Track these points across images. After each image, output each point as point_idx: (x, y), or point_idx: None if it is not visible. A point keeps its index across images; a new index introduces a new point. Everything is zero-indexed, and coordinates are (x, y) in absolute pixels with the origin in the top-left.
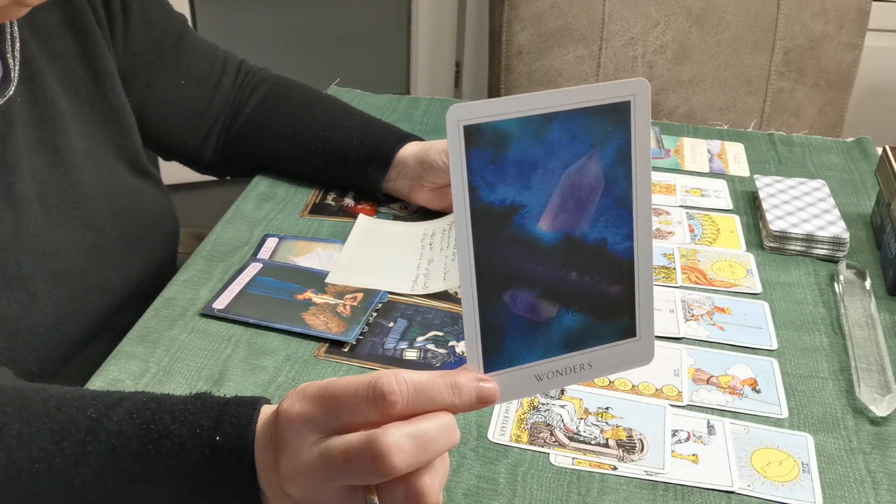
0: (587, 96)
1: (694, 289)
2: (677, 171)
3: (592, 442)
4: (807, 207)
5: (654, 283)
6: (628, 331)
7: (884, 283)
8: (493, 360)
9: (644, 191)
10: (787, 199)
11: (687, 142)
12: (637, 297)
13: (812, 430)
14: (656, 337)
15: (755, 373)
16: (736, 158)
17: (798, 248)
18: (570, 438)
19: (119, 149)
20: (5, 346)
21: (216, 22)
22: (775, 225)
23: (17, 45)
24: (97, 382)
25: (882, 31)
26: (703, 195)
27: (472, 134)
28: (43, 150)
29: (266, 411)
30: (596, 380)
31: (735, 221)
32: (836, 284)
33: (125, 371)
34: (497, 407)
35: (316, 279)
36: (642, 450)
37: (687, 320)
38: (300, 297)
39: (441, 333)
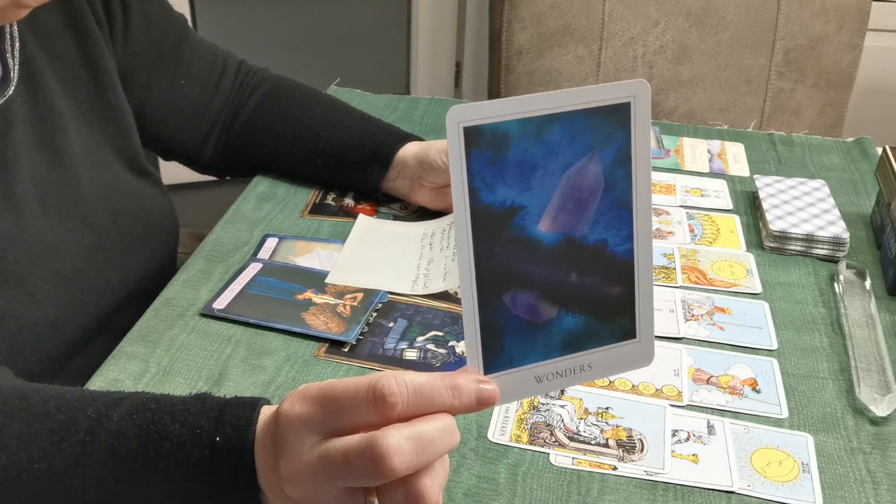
0: (587, 97)
1: (694, 289)
2: (677, 171)
3: (592, 442)
4: (807, 207)
5: (654, 283)
6: (628, 332)
7: (884, 283)
8: (493, 361)
9: (644, 192)
10: (787, 199)
11: (687, 142)
12: (637, 299)
13: (812, 430)
14: (656, 337)
15: (755, 373)
16: (736, 158)
17: (798, 248)
18: (570, 438)
19: (118, 149)
20: (5, 345)
21: (216, 22)
22: (775, 225)
23: (17, 44)
24: (97, 382)
25: (882, 31)
26: (703, 195)
27: (472, 135)
28: (42, 149)
29: (266, 412)
30: (596, 380)
31: (735, 221)
32: (836, 284)
33: (125, 371)
34: (497, 407)
35: (316, 279)
36: (642, 450)
37: (687, 320)
38: (300, 297)
39: (441, 333)
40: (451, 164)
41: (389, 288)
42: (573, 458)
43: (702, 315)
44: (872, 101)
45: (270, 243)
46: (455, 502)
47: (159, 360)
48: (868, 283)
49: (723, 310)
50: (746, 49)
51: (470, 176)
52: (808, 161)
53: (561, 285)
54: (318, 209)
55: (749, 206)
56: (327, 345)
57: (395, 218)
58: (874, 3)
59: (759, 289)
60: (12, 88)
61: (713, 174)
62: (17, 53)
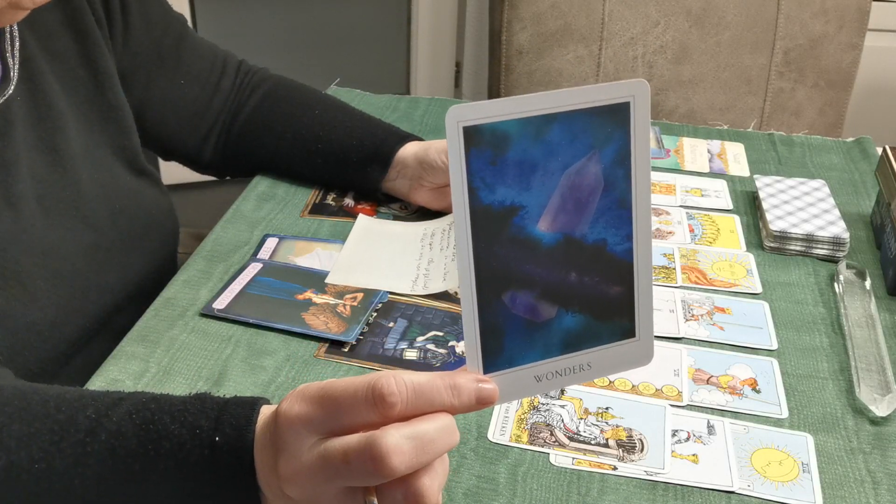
0: (586, 97)
1: (694, 289)
2: (677, 171)
3: (592, 442)
4: (807, 207)
5: (654, 283)
6: (628, 331)
7: (884, 283)
8: (493, 360)
9: (643, 192)
10: (787, 199)
11: (687, 142)
12: (636, 298)
13: (812, 430)
14: (656, 337)
15: (755, 373)
16: (736, 158)
17: (798, 248)
18: (570, 438)
19: (118, 148)
20: (5, 345)
21: (216, 22)
22: (775, 225)
23: (17, 44)
24: (97, 382)
25: (882, 31)
26: (703, 195)
27: (472, 135)
28: (42, 149)
29: (266, 412)
30: (596, 380)
31: (735, 221)
32: (836, 284)
33: (125, 371)
34: (497, 407)
35: (316, 279)
36: (642, 450)
37: (687, 320)
38: (300, 297)
39: (441, 333)
40: (451, 163)
41: (389, 288)
42: (573, 458)
43: (702, 315)
44: (872, 101)
45: (270, 243)
46: (455, 502)
47: (159, 360)
48: (868, 283)
49: (723, 310)
50: (746, 49)
51: (469, 175)
52: (808, 161)
53: (560, 285)
54: (318, 209)
55: (749, 206)
56: (327, 345)
57: (395, 218)
58: (874, 3)
59: (759, 289)
60: (12, 88)
61: (713, 174)
62: (16, 53)
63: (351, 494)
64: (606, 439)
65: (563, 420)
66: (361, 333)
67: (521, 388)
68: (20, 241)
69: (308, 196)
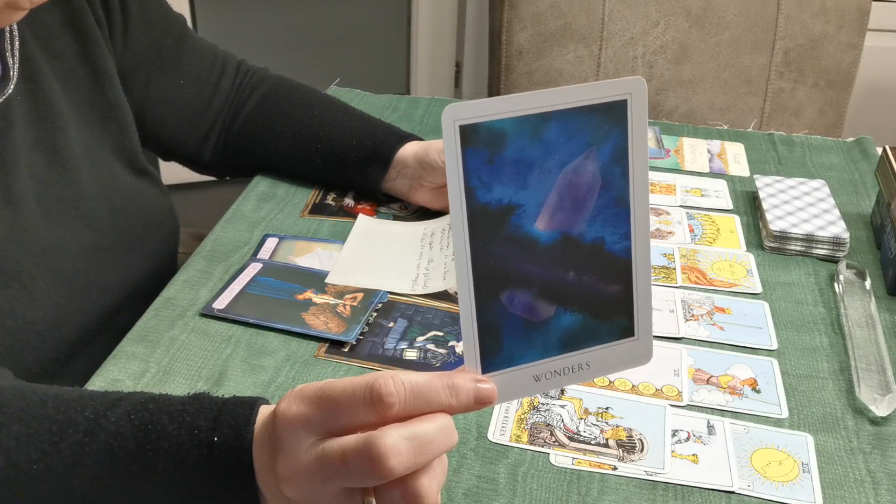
0: (583, 95)
1: (694, 289)
2: (677, 171)
3: (592, 442)
4: (807, 207)
5: (654, 283)
6: (627, 330)
7: (884, 283)
8: (491, 360)
9: (641, 190)
10: (787, 199)
11: (687, 142)
12: (635, 297)
13: (812, 430)
14: (656, 337)
15: (755, 373)
16: (736, 158)
17: (798, 248)
18: (570, 438)
19: (118, 148)
20: (5, 345)
21: (216, 22)
22: (775, 225)
23: (17, 43)
24: (97, 382)
25: (882, 31)
26: (703, 195)
27: (468, 134)
28: (42, 149)
29: (264, 412)
30: (595, 380)
31: (735, 221)
32: (836, 284)
33: (125, 371)
34: (497, 407)
35: (316, 279)
36: (642, 450)
37: (687, 320)
38: (300, 297)
39: (441, 333)
40: (448, 162)
41: (389, 288)
42: (573, 458)
43: (702, 315)
44: (872, 101)
45: (270, 243)
46: (455, 502)
47: (159, 360)
48: (868, 283)
49: (723, 310)
50: (746, 49)
51: (466, 174)
52: (808, 161)
53: (558, 284)
54: (318, 209)
55: (749, 206)
56: (327, 345)
57: (395, 218)
58: (874, 3)
59: (759, 289)
60: (12, 87)
61: (713, 174)
62: (16, 52)
63: (349, 495)
64: (606, 439)
65: (563, 420)
66: (361, 333)
67: (519, 387)
68: (20, 241)
69: (308, 196)
